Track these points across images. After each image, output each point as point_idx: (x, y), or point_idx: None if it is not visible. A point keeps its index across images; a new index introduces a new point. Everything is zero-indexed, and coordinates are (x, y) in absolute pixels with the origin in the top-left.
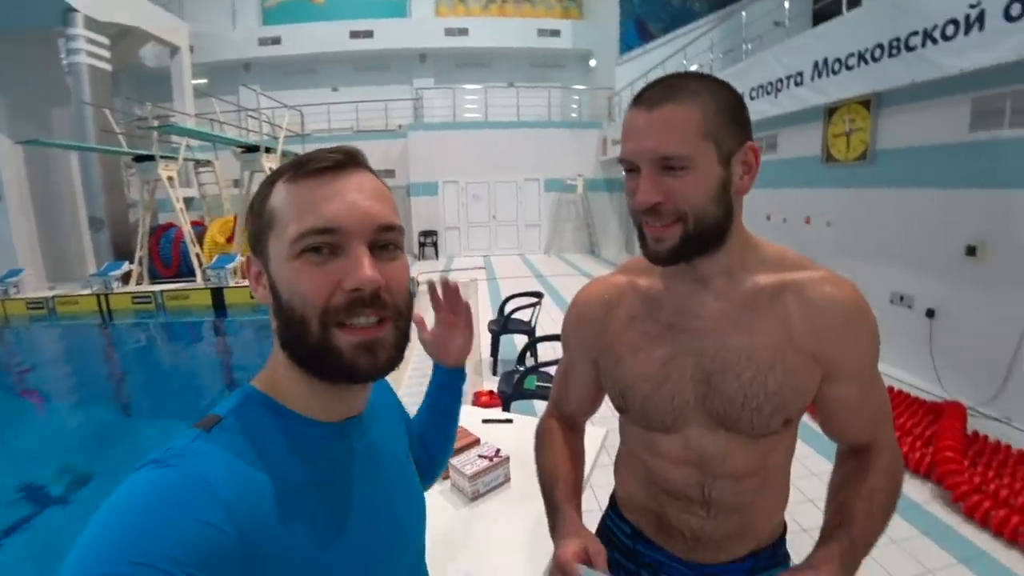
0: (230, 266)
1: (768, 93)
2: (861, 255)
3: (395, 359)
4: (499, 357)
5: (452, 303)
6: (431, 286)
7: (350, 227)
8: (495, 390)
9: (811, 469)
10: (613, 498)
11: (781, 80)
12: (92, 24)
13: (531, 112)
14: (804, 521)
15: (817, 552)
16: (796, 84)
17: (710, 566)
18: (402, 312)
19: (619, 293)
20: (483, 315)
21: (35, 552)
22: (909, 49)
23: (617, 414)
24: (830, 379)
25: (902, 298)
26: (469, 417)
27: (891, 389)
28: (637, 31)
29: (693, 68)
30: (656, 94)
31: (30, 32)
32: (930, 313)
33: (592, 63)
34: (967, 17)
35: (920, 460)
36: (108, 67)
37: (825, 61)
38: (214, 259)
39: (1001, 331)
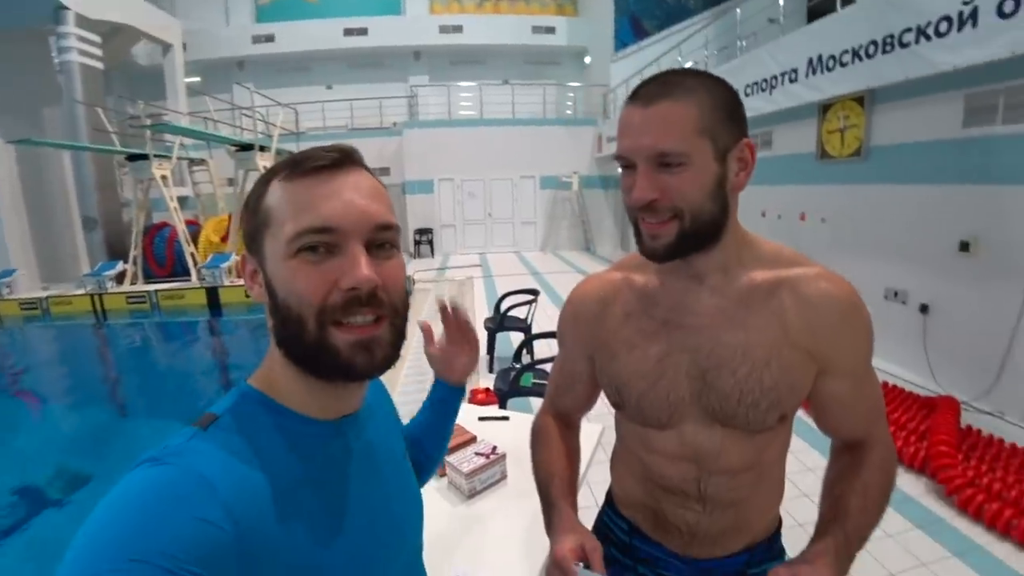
0: (225, 265)
1: (763, 90)
2: (856, 251)
3: (392, 357)
4: (495, 355)
5: (462, 327)
6: (443, 305)
7: (347, 226)
8: (491, 387)
9: (806, 464)
10: (609, 494)
11: (776, 77)
12: (83, 22)
13: (526, 109)
14: (799, 515)
15: (812, 546)
16: (791, 81)
17: (706, 561)
18: (399, 310)
19: (615, 290)
20: (479, 312)
21: (33, 554)
22: (903, 46)
23: (613, 411)
24: (825, 375)
25: (896, 294)
26: (465, 415)
27: (885, 384)
28: (632, 28)
29: (688, 65)
30: (652, 90)
31: (21, 31)
32: (924, 308)
33: (587, 60)
34: (960, 14)
35: (914, 454)
36: (100, 65)
37: (819, 58)
38: (209, 258)
39: (994, 326)
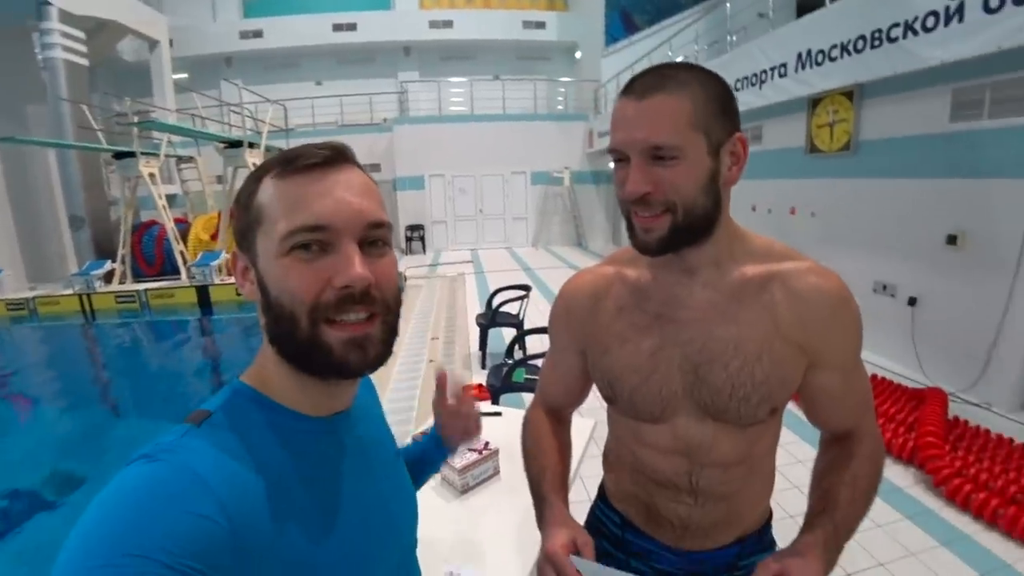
0: (215, 263)
1: (753, 84)
2: (845, 245)
3: (384, 355)
4: (487, 350)
5: (464, 413)
6: (465, 390)
7: (340, 224)
8: (484, 383)
9: (796, 456)
10: (602, 488)
11: (765, 71)
12: (67, 18)
13: (517, 105)
14: (790, 507)
15: (802, 538)
16: (780, 75)
17: (697, 553)
18: (391, 307)
19: (607, 284)
20: (471, 309)
21: (26, 557)
22: (891, 40)
23: (605, 405)
24: (815, 368)
25: (885, 287)
26: None
27: (874, 376)
28: (622, 23)
29: (679, 60)
30: (646, 83)
31: (3, 27)
32: (912, 301)
33: (578, 55)
34: (947, 9)
35: (903, 445)
36: (85, 62)
37: (809, 52)
38: (198, 256)
39: (981, 318)
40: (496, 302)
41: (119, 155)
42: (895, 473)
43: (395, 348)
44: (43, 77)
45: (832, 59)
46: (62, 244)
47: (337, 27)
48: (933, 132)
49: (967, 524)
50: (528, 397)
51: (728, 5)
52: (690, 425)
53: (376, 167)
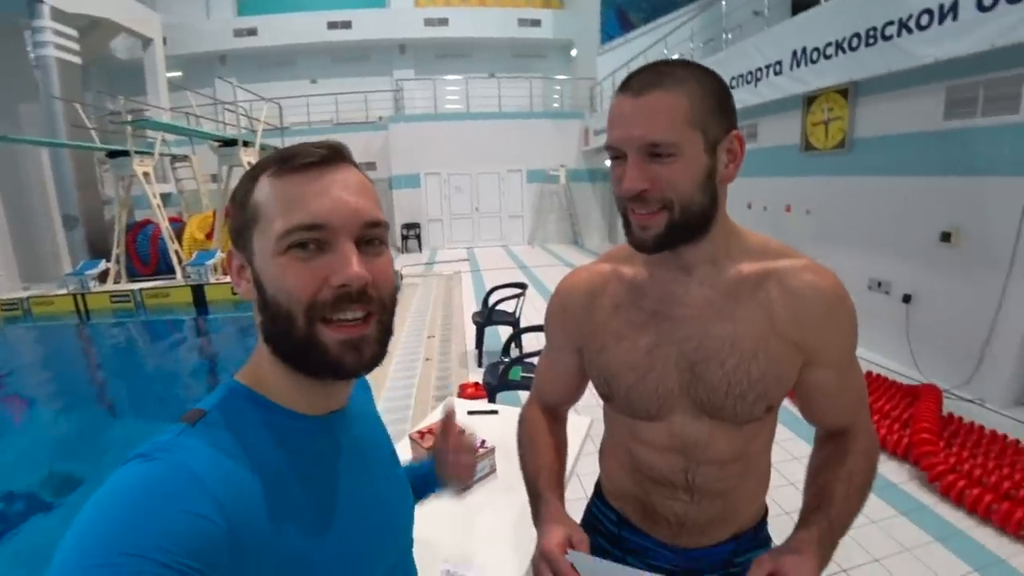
0: (210, 262)
1: (748, 82)
2: (840, 242)
3: (379, 355)
4: (484, 349)
5: (461, 449)
6: (469, 439)
7: (337, 223)
8: (480, 382)
9: (792, 453)
10: (598, 486)
11: (761, 69)
12: (59, 16)
13: (513, 103)
14: (786, 504)
15: (797, 534)
16: (775, 73)
17: (694, 550)
18: (387, 307)
19: (603, 281)
20: (467, 307)
21: (24, 559)
22: (885, 38)
23: (601, 403)
24: (811, 366)
25: (879, 284)
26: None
27: (869, 373)
28: (618, 20)
29: (675, 57)
30: (643, 80)
31: None
32: (907, 298)
33: (573, 53)
34: (941, 7)
35: (897, 442)
36: (78, 60)
37: (804, 50)
38: (194, 256)
39: (974, 315)
40: (492, 300)
41: (113, 154)
42: (890, 469)
43: (391, 347)
44: (35, 75)
45: (827, 57)
46: (55, 243)
47: (332, 25)
48: (927, 130)
49: (961, 520)
50: (525, 395)
51: (723, 3)
52: (686, 422)
53: (372, 165)
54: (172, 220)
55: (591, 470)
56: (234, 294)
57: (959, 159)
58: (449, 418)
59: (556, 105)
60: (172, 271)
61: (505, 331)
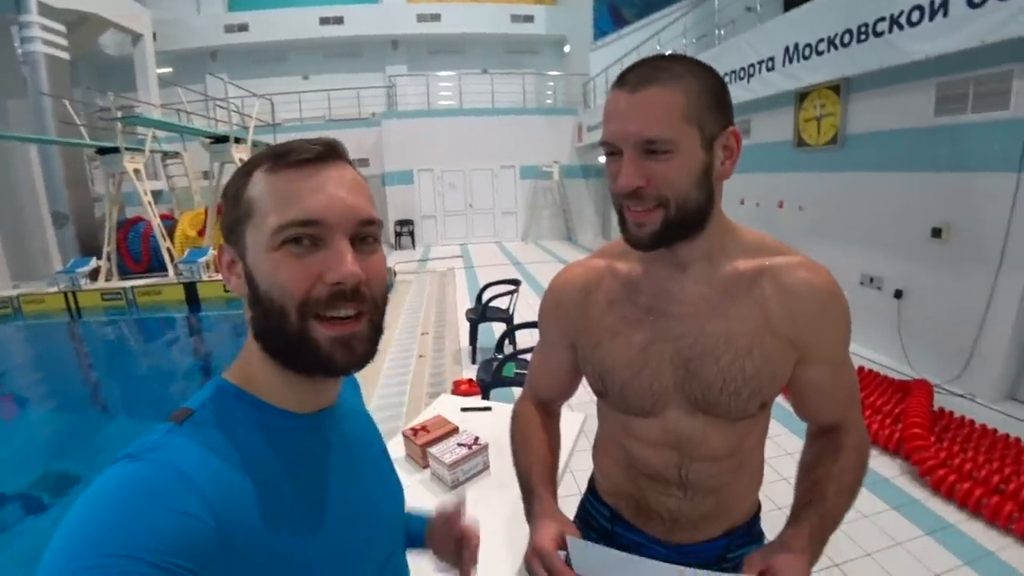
0: (202, 260)
1: (741, 78)
2: (832, 238)
3: (370, 352)
4: (477, 345)
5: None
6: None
7: (332, 220)
8: (474, 378)
9: (785, 449)
10: (592, 482)
11: (753, 65)
12: (47, 11)
13: (506, 99)
14: (779, 499)
15: (788, 530)
16: (768, 69)
17: (687, 546)
18: (378, 305)
19: (598, 277)
20: (461, 303)
21: (23, 560)
22: (877, 35)
23: (595, 399)
24: (804, 363)
25: (871, 279)
26: (448, 406)
27: (861, 368)
28: (611, 16)
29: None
30: (639, 75)
31: None
32: (898, 294)
33: (566, 49)
34: (932, 3)
35: (889, 437)
36: (66, 56)
37: (796, 46)
38: (186, 253)
39: (965, 310)
40: (486, 297)
41: (103, 151)
42: (881, 464)
43: (385, 344)
44: (23, 71)
45: (819, 53)
46: (45, 241)
47: (324, 20)
48: (918, 126)
49: (952, 513)
50: (518, 392)
51: None
52: (680, 419)
53: (365, 162)
54: (164, 217)
55: (585, 466)
56: (226, 291)
57: (949, 155)
58: (455, 513)
59: (549, 101)
60: (164, 269)
61: (499, 328)
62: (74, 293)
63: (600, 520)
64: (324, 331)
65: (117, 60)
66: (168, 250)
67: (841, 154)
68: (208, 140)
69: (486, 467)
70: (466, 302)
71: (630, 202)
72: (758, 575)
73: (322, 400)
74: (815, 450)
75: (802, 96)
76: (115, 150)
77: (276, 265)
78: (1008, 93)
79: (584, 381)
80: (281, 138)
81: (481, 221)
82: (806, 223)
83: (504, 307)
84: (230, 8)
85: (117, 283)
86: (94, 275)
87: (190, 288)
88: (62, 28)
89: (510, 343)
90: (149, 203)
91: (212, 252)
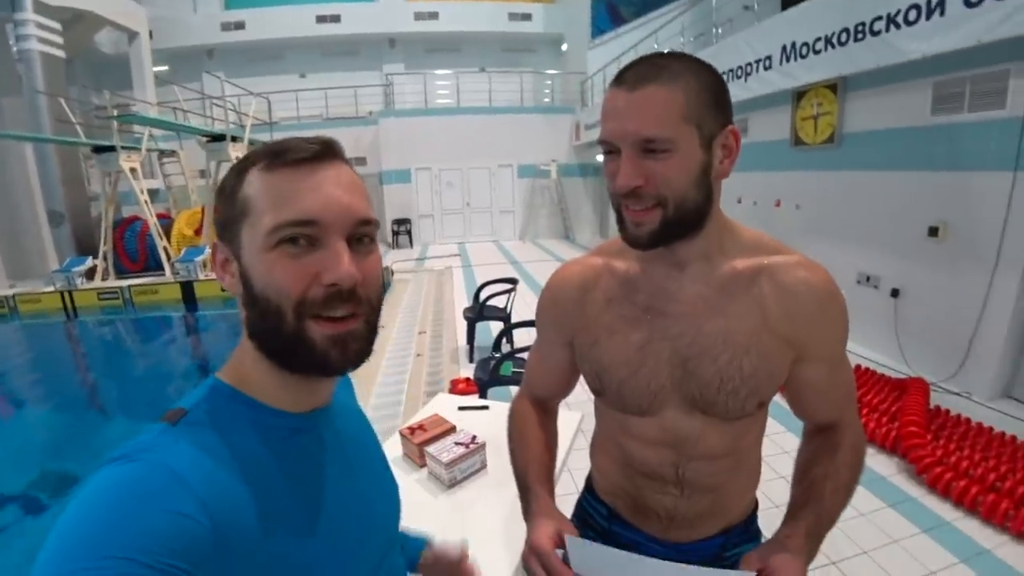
0: (199, 259)
1: (738, 77)
2: (829, 237)
3: (365, 352)
4: (475, 344)
5: None
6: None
7: (329, 220)
8: (471, 377)
9: (782, 447)
10: (589, 480)
11: (751, 64)
12: (42, 8)
13: (503, 97)
14: (776, 497)
15: (784, 529)
16: (765, 68)
17: (684, 544)
18: (374, 306)
19: (596, 275)
20: (458, 302)
21: (19, 559)
22: (874, 34)
23: (592, 398)
24: (801, 361)
25: (868, 278)
26: (445, 404)
27: (858, 367)
28: (609, 15)
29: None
30: (638, 73)
31: None
32: (895, 293)
33: (564, 47)
34: (929, 2)
35: (886, 435)
36: (62, 54)
37: (793, 45)
38: (182, 252)
39: (961, 309)
40: (483, 296)
41: (99, 149)
42: (878, 462)
43: (382, 343)
44: (18, 69)
45: (816, 52)
46: (41, 240)
47: (321, 19)
48: (915, 125)
49: (948, 511)
50: (516, 390)
51: None
52: (678, 418)
53: (362, 161)
54: (160, 216)
55: (582, 465)
56: (223, 291)
57: (946, 154)
58: (454, 562)
59: (547, 100)
60: (160, 268)
61: (496, 327)
62: (70, 292)
63: (597, 519)
64: (320, 330)
65: (113, 58)
66: (165, 249)
67: (838, 153)
68: (204, 139)
69: (483, 466)
70: (463, 301)
71: (628, 201)
72: (756, 574)
73: (316, 400)
74: (812, 449)
75: (799, 95)
76: (111, 149)
77: (272, 265)
78: (1004, 92)
79: (582, 379)
80: (278, 136)
81: (479, 220)
82: (803, 222)
83: (502, 306)
84: (227, 6)
85: (113, 282)
86: (90, 274)
87: (187, 287)
88: (58, 26)
89: (507, 342)
90: (145, 202)
91: (208, 251)
